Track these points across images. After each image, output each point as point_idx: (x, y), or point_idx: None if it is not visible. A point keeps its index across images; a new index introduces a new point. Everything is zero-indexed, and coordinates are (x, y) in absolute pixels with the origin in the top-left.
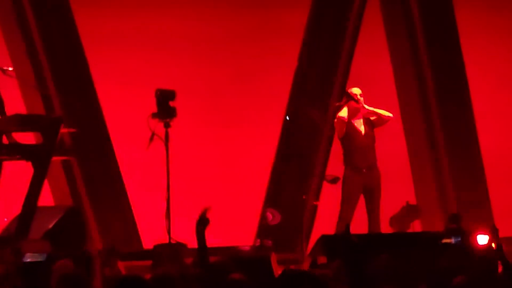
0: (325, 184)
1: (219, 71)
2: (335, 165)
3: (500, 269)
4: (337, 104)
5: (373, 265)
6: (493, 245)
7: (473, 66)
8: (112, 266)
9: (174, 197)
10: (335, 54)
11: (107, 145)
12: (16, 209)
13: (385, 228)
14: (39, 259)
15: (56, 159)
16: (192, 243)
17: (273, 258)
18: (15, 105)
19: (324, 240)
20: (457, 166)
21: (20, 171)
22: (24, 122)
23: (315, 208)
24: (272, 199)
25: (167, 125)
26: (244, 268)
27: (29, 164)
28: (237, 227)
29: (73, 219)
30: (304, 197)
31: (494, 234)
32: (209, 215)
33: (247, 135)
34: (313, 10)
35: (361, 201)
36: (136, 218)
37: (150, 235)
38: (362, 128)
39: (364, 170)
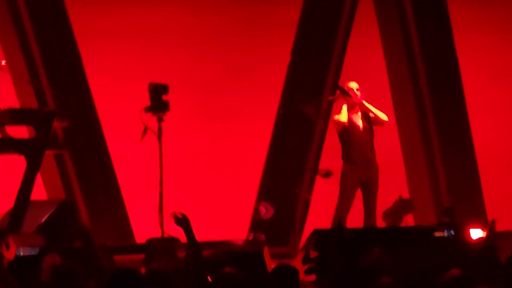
0: (318, 178)
1: (212, 66)
2: (328, 159)
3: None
4: (330, 98)
5: (366, 259)
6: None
7: (466, 60)
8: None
9: (167, 191)
10: (328, 48)
11: (100, 139)
12: (9, 203)
13: (378, 222)
14: (32, 253)
15: (49, 153)
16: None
17: (266, 252)
18: (8, 99)
19: (317, 234)
20: (450, 160)
21: (13, 165)
22: (17, 116)
23: (308, 202)
24: (265, 193)
25: (160, 119)
26: (237, 262)
27: (22, 158)
28: (230, 221)
29: (66, 213)
30: (296, 191)
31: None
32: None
33: (241, 130)
34: (306, 4)
35: (359, 195)
36: (129, 212)
37: (143, 229)
38: (360, 123)
39: (362, 165)
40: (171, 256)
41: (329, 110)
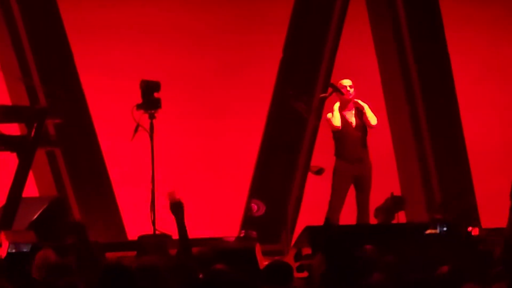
0: (310, 175)
1: (204, 63)
2: (320, 156)
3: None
4: (322, 95)
5: (357, 255)
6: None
7: (457, 57)
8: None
9: (159, 188)
10: (320, 46)
11: (92, 136)
12: (1, 200)
13: (370, 219)
14: (23, 250)
15: (41, 150)
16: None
17: (258, 249)
18: (0, 96)
19: (309, 231)
20: (441, 157)
21: (5, 162)
22: (8, 113)
23: (300, 199)
24: (257, 190)
25: (152, 117)
26: (229, 259)
27: (14, 155)
28: (222, 218)
29: (57, 210)
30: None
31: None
32: (178, 198)
33: (232, 127)
34: (298, 2)
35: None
36: (120, 209)
37: (135, 226)
38: (353, 120)
39: (354, 162)
40: (163, 253)
41: (321, 107)
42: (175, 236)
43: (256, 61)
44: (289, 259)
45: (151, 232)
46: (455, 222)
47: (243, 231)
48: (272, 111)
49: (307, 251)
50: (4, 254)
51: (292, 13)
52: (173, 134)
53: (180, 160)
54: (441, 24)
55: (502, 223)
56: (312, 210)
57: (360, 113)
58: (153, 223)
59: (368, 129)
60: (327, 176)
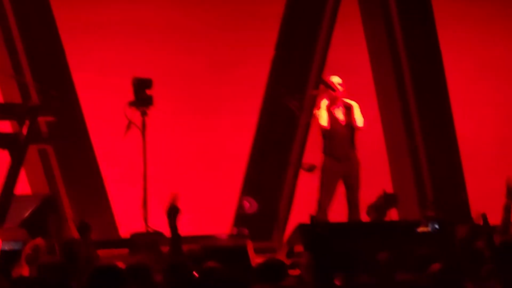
0: (302, 173)
1: (196, 60)
2: (312, 153)
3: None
4: (314, 92)
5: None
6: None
7: (450, 55)
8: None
9: (151, 186)
10: (312, 43)
11: (84, 133)
12: None
13: (363, 216)
14: (15, 248)
15: (33, 147)
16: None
17: (250, 246)
18: None
19: (301, 228)
20: (434, 155)
21: None
22: (0, 111)
23: (291, 196)
24: (249, 187)
25: (144, 114)
26: (221, 256)
27: (6, 152)
28: (214, 216)
29: (49, 208)
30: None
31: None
32: (178, 203)
33: (225, 124)
34: None
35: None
36: (113, 206)
37: (127, 224)
38: (341, 117)
39: (342, 160)
40: (155, 250)
41: (313, 104)
42: (167, 233)
43: (248, 58)
44: (281, 256)
45: (143, 229)
46: (447, 219)
47: (235, 228)
48: (264, 108)
49: (299, 248)
50: None
51: (284, 11)
52: (165, 131)
53: (172, 158)
54: (433, 22)
55: (495, 220)
56: (304, 208)
57: (348, 111)
58: (146, 220)
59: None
60: (319, 173)
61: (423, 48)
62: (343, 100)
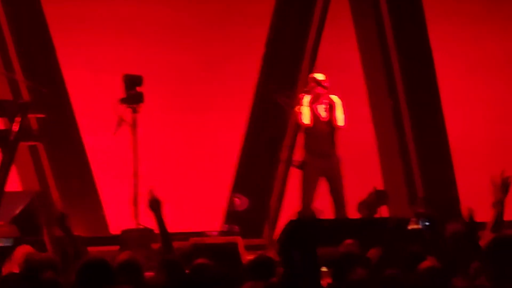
0: (293, 170)
1: (186, 57)
2: (303, 150)
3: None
4: (305, 89)
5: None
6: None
7: (440, 52)
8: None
9: (141, 183)
10: (302, 40)
11: (74, 130)
12: None
13: (353, 213)
14: (6, 244)
15: (23, 144)
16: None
17: (240, 243)
18: None
19: (291, 225)
20: (424, 152)
21: None
22: None
23: (282, 193)
24: (240, 184)
25: (134, 111)
26: (211, 253)
27: None
28: (204, 213)
29: (40, 204)
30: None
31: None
32: (157, 195)
33: (215, 121)
34: None
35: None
36: (103, 203)
37: (117, 221)
38: (323, 114)
39: (321, 156)
40: (145, 247)
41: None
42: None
43: (239, 55)
44: (272, 253)
45: (133, 226)
46: (438, 216)
47: (225, 225)
48: (255, 105)
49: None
50: None
51: (274, 7)
52: (155, 128)
53: (163, 154)
54: (423, 19)
55: (485, 217)
56: (295, 204)
57: (331, 108)
58: (136, 217)
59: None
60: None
61: (413, 46)
62: (326, 97)
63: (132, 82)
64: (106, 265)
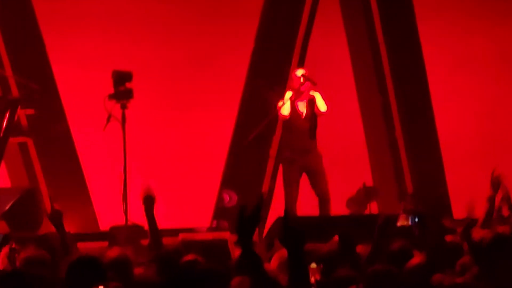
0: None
1: (176, 53)
2: None
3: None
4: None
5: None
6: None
7: (430, 48)
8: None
9: (131, 179)
10: (291, 36)
11: (64, 126)
12: None
13: (343, 210)
14: None
15: (12, 140)
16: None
17: (230, 239)
18: None
19: (279, 222)
20: (414, 148)
21: None
22: None
23: (272, 189)
24: (229, 180)
25: (123, 107)
26: (201, 249)
27: None
28: (193, 209)
29: (29, 201)
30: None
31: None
32: (153, 192)
33: (204, 117)
34: None
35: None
36: (93, 199)
37: (107, 217)
38: (303, 110)
39: (301, 153)
40: (134, 243)
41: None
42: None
43: (228, 51)
44: (261, 249)
45: (123, 222)
46: (427, 213)
47: (215, 221)
48: (244, 101)
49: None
50: None
51: (264, 3)
52: (145, 124)
53: (152, 150)
54: (413, 14)
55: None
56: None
57: (311, 103)
58: (125, 213)
59: (318, 118)
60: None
61: (403, 42)
62: (307, 94)
63: (122, 78)
64: (97, 263)
